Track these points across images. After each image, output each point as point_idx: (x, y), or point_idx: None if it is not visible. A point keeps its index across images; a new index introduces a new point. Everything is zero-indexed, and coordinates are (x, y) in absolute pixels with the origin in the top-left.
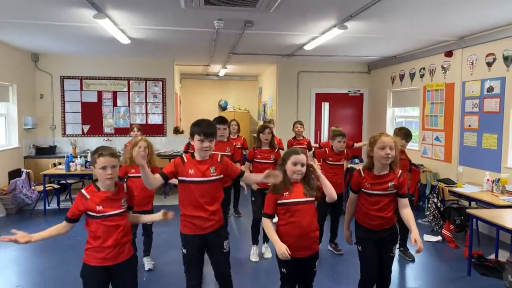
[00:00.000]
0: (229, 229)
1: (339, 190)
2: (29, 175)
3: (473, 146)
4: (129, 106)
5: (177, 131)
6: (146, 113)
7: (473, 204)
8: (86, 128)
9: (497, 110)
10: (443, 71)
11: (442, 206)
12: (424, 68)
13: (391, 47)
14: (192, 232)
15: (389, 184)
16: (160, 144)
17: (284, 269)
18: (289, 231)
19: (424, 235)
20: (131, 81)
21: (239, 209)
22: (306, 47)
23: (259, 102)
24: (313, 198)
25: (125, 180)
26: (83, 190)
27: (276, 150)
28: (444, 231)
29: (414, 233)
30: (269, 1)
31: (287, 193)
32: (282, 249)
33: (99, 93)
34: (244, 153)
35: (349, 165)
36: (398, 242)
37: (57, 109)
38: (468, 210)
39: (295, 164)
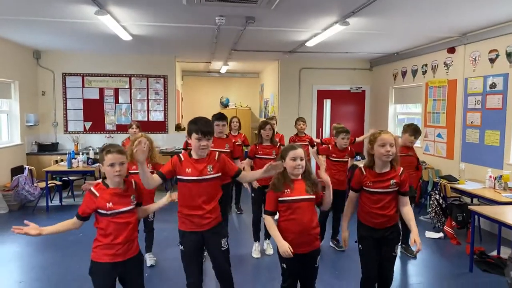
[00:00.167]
0: (231, 226)
1: (342, 187)
2: (32, 172)
3: (475, 142)
4: (130, 103)
5: (178, 128)
6: (148, 110)
7: (475, 201)
8: (88, 125)
9: (500, 106)
10: (446, 68)
11: (444, 202)
12: (426, 65)
13: (393, 43)
14: (189, 229)
15: (391, 181)
16: (161, 141)
17: (285, 265)
18: (290, 227)
19: (426, 231)
20: (132, 78)
21: (240, 205)
22: (308, 44)
23: (260, 99)
24: (314, 196)
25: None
26: (92, 188)
27: (277, 146)
28: (446, 228)
29: (414, 233)
30: None
31: (288, 190)
32: (285, 247)
33: (101, 90)
34: (246, 150)
35: (354, 162)
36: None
37: (59, 106)
38: (470, 207)
39: (294, 159)
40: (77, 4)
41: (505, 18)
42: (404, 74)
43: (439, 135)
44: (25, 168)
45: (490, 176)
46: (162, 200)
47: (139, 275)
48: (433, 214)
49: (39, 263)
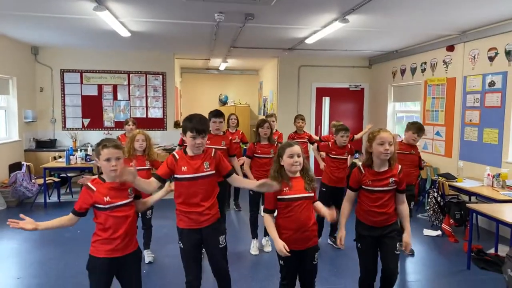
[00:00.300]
0: (229, 223)
1: (341, 184)
2: (30, 168)
3: (474, 141)
4: (129, 99)
5: (177, 125)
6: (147, 107)
7: (473, 198)
8: (86, 121)
9: (499, 104)
10: (445, 66)
11: (442, 200)
12: (425, 63)
13: (392, 41)
14: (188, 226)
15: (390, 180)
16: (160, 138)
17: (282, 262)
18: (287, 224)
19: (424, 229)
20: (131, 75)
21: (239, 202)
22: (307, 41)
23: (259, 97)
24: (313, 194)
25: None
26: (89, 183)
27: (275, 145)
28: (444, 226)
29: (407, 233)
30: None
31: (287, 188)
32: (280, 246)
33: (99, 87)
34: (245, 147)
35: (353, 160)
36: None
37: (57, 102)
38: (468, 205)
39: (291, 156)
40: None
41: (504, 16)
42: (403, 72)
43: (437, 133)
44: (23, 164)
45: (488, 174)
46: (161, 191)
47: (137, 271)
48: (431, 212)
49: (37, 259)
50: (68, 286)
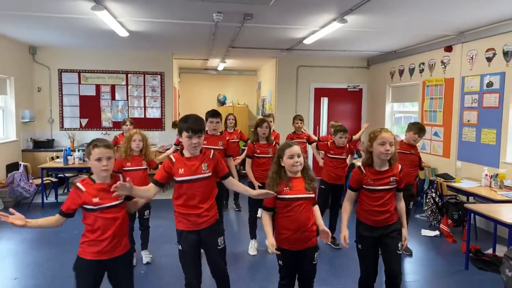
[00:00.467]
0: (229, 223)
1: (340, 181)
2: (27, 169)
3: (472, 141)
4: (127, 99)
5: (175, 125)
6: (145, 107)
7: (471, 199)
8: (84, 121)
9: (497, 105)
10: (443, 66)
11: (440, 201)
12: (423, 63)
13: (390, 42)
14: (186, 228)
15: (391, 178)
16: (158, 138)
17: (281, 262)
18: (286, 224)
19: (422, 230)
20: (129, 75)
21: (239, 202)
22: (306, 41)
23: (258, 97)
24: (313, 195)
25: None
26: (78, 183)
27: (274, 144)
28: (442, 226)
29: (405, 230)
30: None
31: (287, 188)
32: (268, 244)
33: (97, 87)
34: (243, 147)
35: (353, 161)
36: None
37: (55, 102)
38: (466, 205)
39: (291, 157)
40: None
41: (502, 16)
42: (401, 72)
43: (435, 134)
44: (20, 164)
45: (486, 175)
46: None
47: (128, 274)
48: (429, 212)
49: (34, 260)
50: (65, 286)
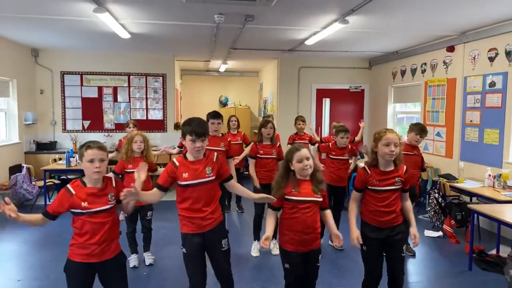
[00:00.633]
0: (232, 224)
1: (342, 183)
2: (30, 171)
3: (475, 141)
4: (129, 101)
5: (177, 127)
6: (147, 108)
7: (474, 199)
8: (87, 123)
9: (499, 105)
10: (445, 66)
11: (443, 201)
12: (425, 64)
13: (392, 42)
14: (191, 231)
15: (396, 179)
16: (160, 140)
17: (288, 265)
18: (293, 225)
19: (425, 230)
20: (131, 77)
21: (241, 204)
22: (307, 42)
23: (259, 98)
24: (321, 199)
25: (120, 176)
26: (68, 186)
27: (277, 145)
28: (445, 227)
29: (414, 227)
30: None
31: (294, 190)
32: (265, 237)
33: (100, 89)
34: (245, 148)
35: (357, 162)
36: None
37: (57, 104)
38: (469, 205)
39: (300, 161)
40: (75, 1)
41: (504, 16)
42: (403, 73)
43: (438, 134)
44: (23, 166)
45: (489, 175)
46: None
47: (120, 277)
48: (432, 213)
49: (37, 261)
50: None
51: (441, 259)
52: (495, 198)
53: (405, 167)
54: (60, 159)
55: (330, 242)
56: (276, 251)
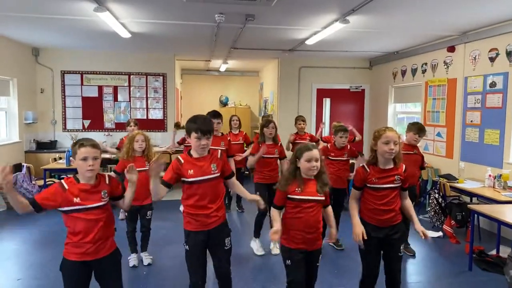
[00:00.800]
0: (231, 224)
1: (342, 185)
2: (30, 170)
3: (475, 141)
4: (129, 101)
5: (178, 126)
6: (147, 108)
7: (474, 200)
8: (87, 123)
9: (500, 105)
10: (446, 67)
11: (443, 201)
12: (426, 64)
13: (393, 42)
14: (194, 229)
15: (396, 177)
16: (161, 139)
17: (289, 261)
18: (295, 224)
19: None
20: (131, 76)
21: (242, 204)
22: (308, 42)
23: (260, 98)
24: (324, 198)
25: (120, 174)
26: (62, 181)
27: (279, 145)
28: (445, 227)
29: (418, 224)
30: None
31: (299, 189)
32: (274, 230)
33: (100, 88)
34: (246, 148)
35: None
36: None
37: (57, 103)
38: (469, 206)
39: (309, 160)
40: (76, 0)
41: (505, 17)
42: (403, 73)
43: (438, 134)
44: (23, 166)
45: (490, 175)
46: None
47: (115, 275)
48: (433, 213)
49: (37, 260)
50: None
51: (441, 260)
52: (495, 198)
53: (404, 166)
54: (60, 158)
55: (330, 242)
56: (276, 250)
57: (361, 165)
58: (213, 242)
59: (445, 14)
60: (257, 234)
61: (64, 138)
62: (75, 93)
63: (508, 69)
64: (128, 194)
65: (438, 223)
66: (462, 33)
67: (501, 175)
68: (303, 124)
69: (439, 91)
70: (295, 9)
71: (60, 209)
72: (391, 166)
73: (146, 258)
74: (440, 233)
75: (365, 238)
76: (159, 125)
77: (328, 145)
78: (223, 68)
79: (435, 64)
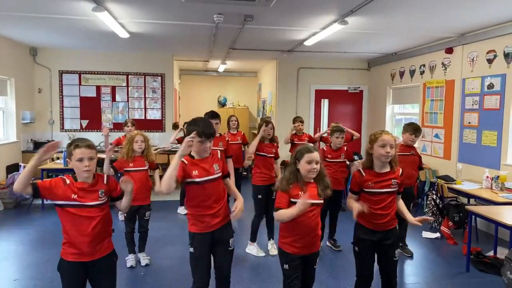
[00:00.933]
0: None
1: (340, 187)
2: None
3: (473, 143)
4: (128, 101)
5: (175, 126)
6: (145, 108)
7: (472, 201)
8: (85, 123)
9: (497, 107)
10: (443, 68)
11: (441, 203)
12: (424, 65)
13: (391, 43)
14: (200, 231)
15: (392, 181)
16: (159, 139)
17: (287, 266)
18: (295, 228)
19: (423, 231)
20: (130, 76)
21: None
22: (306, 43)
23: (258, 99)
24: (322, 201)
25: (119, 174)
26: (64, 176)
27: (276, 145)
28: (442, 228)
29: (410, 216)
30: None
31: (301, 192)
32: (301, 202)
33: (98, 88)
34: (243, 149)
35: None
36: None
37: (55, 103)
38: (467, 207)
39: (309, 162)
40: (74, 0)
41: (503, 18)
42: (402, 74)
43: (436, 136)
44: (20, 166)
45: (487, 177)
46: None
47: (110, 276)
48: (430, 214)
49: (34, 261)
50: None
51: (438, 261)
52: (492, 199)
53: (401, 170)
54: (58, 158)
55: (327, 243)
56: (274, 251)
57: (357, 169)
58: (218, 242)
59: (443, 16)
60: (253, 238)
61: (62, 138)
62: (73, 93)
63: (505, 71)
64: (125, 201)
65: (436, 224)
66: (460, 35)
67: (498, 176)
68: (301, 125)
69: (437, 92)
70: (294, 10)
71: (56, 202)
72: (387, 169)
73: (144, 259)
74: (437, 234)
75: (363, 206)
76: (157, 125)
77: (324, 148)
78: (221, 68)
79: (433, 66)
